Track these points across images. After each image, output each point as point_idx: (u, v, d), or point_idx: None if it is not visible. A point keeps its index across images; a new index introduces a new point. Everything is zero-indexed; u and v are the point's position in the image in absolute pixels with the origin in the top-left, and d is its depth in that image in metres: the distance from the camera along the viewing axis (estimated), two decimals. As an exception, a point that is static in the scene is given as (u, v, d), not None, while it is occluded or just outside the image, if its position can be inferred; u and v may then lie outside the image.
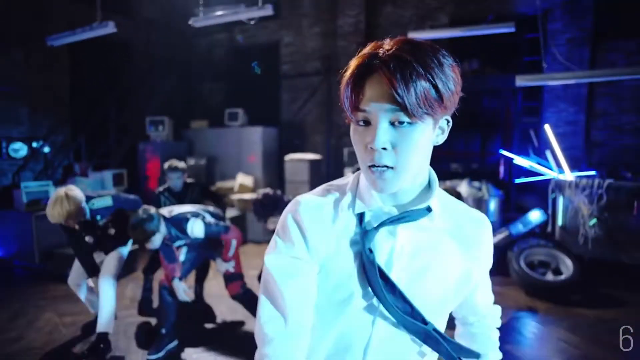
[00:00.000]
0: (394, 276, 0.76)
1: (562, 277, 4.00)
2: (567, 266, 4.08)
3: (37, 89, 6.38)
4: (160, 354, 2.82)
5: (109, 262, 2.96)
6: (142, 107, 6.85)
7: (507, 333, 3.20)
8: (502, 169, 5.81)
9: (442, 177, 5.93)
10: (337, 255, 0.77)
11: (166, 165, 3.67)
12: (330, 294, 0.77)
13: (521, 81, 3.91)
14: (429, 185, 0.81)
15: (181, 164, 3.67)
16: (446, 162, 6.65)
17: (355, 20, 7.18)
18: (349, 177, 0.85)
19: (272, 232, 0.96)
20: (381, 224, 0.75)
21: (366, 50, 0.72)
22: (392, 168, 0.70)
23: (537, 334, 3.23)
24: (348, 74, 0.72)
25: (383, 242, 0.76)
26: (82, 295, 3.10)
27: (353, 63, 0.73)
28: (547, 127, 5.01)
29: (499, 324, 1.03)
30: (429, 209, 0.77)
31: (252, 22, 5.08)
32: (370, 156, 0.70)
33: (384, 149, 0.69)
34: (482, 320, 1.01)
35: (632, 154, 5.75)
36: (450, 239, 0.81)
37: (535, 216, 4.58)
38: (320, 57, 7.72)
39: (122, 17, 6.61)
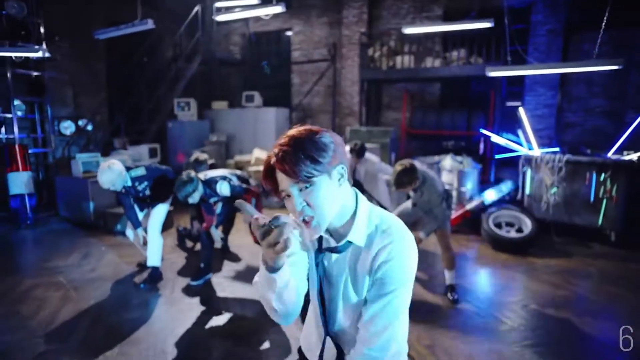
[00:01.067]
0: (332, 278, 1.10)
1: (522, 234, 4.78)
2: (528, 226, 4.85)
3: (80, 74, 7.20)
4: (200, 282, 3.69)
5: (154, 214, 3.68)
6: (170, 89, 7.64)
7: (477, 277, 4.01)
8: (481, 145, 6.52)
9: (432, 153, 6.68)
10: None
11: (192, 158, 4.49)
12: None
13: (490, 72, 4.59)
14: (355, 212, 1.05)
15: (204, 156, 4.49)
16: (438, 140, 7.40)
17: (359, 11, 7.79)
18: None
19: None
20: (323, 250, 1.07)
21: (269, 154, 1.00)
22: (313, 217, 0.97)
23: (498, 276, 4.03)
24: (262, 173, 1.01)
25: (323, 260, 1.09)
26: (132, 238, 3.92)
27: (263, 166, 1.02)
28: (520, 110, 5.69)
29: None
30: (350, 242, 1.03)
31: (267, 17, 5.79)
32: (300, 215, 0.97)
33: (304, 207, 0.96)
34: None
35: (600, 134, 6.41)
36: (364, 253, 1.03)
37: (490, 196, 5.34)
38: (327, 44, 8.37)
39: (149, 8, 7.31)
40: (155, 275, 3.66)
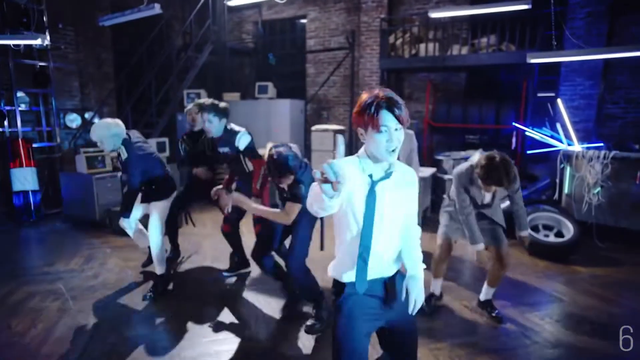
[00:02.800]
0: (383, 204, 1.49)
1: (563, 239, 4.33)
2: (569, 229, 4.39)
3: (87, 64, 6.89)
4: (233, 273, 3.66)
5: (152, 214, 3.27)
6: (179, 80, 7.28)
7: (510, 285, 3.59)
8: (514, 140, 6.03)
9: (457, 148, 6.20)
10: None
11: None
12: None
13: (532, 58, 4.11)
14: None
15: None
16: (462, 134, 6.91)
17: (378, -5, 7.29)
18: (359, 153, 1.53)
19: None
20: (377, 180, 1.46)
21: (369, 95, 1.42)
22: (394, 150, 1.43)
23: (539, 287, 3.60)
24: (369, 110, 1.39)
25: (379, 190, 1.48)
26: (131, 233, 3.43)
27: (367, 103, 1.40)
28: (559, 101, 5.19)
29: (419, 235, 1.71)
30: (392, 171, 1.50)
31: (282, 1, 5.38)
32: (390, 146, 1.41)
33: (397, 142, 1.43)
34: (415, 230, 1.68)
35: (643, 128, 5.86)
36: (402, 183, 1.54)
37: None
38: (344, 32, 7.91)
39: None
40: (161, 285, 3.33)
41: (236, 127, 3.33)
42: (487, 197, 2.81)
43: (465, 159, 5.94)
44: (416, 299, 1.59)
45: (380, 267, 1.53)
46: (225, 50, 8.07)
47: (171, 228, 4.10)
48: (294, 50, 8.76)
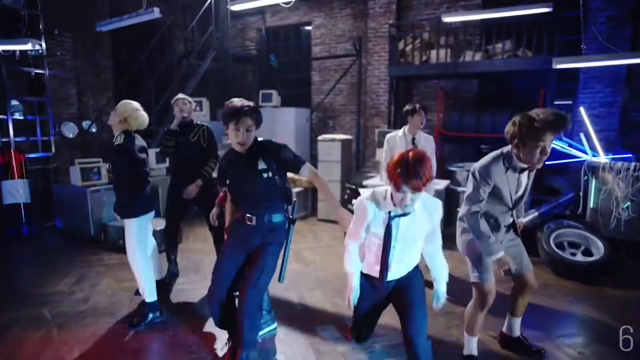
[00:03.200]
0: (399, 236, 2.04)
1: (593, 258, 4.00)
2: (598, 248, 4.07)
3: (85, 72, 6.66)
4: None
5: (126, 234, 2.93)
6: (180, 88, 7.04)
7: (537, 311, 3.26)
8: (533, 150, 5.71)
9: (470, 159, 5.89)
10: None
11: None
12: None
13: (559, 64, 3.82)
14: None
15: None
16: (475, 143, 6.61)
17: (386, 1, 7.06)
18: (381, 188, 2.08)
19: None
20: (395, 216, 1.99)
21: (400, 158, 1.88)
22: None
23: (566, 311, 3.28)
24: (401, 171, 1.84)
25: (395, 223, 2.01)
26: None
27: (399, 167, 1.86)
28: (581, 110, 4.89)
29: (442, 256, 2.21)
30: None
31: (287, 5, 5.14)
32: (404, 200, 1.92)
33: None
34: (435, 245, 2.18)
35: (670, 137, 5.55)
36: (421, 215, 2.03)
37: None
38: (350, 38, 7.67)
39: (159, 0, 6.75)
40: (150, 314, 2.97)
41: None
42: (524, 181, 2.30)
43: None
44: (439, 296, 2.16)
45: (397, 273, 2.15)
46: (228, 57, 7.86)
47: (170, 243, 3.81)
48: (299, 57, 8.52)
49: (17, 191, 5.05)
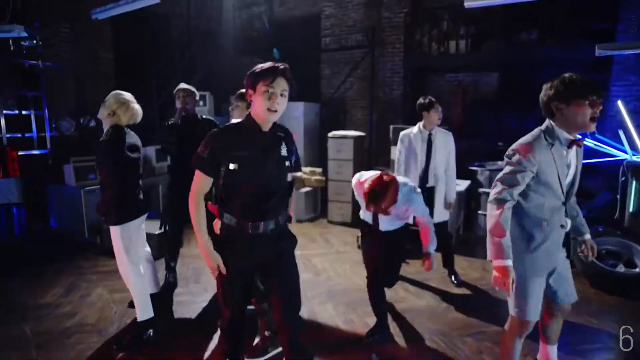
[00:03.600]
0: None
1: (637, 270, 3.59)
2: (642, 257, 3.65)
3: (83, 64, 6.34)
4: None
5: (112, 242, 2.60)
6: (183, 81, 6.70)
7: (575, 330, 2.88)
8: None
9: (491, 158, 5.46)
10: None
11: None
12: None
13: (602, 50, 3.40)
14: None
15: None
16: (493, 141, 6.17)
17: (402, -12, 6.63)
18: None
19: None
20: None
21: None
22: None
23: (609, 331, 2.89)
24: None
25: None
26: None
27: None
28: (619, 104, 4.46)
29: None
30: None
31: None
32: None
33: None
34: None
35: None
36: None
37: None
38: (363, 29, 7.26)
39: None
40: (144, 333, 2.63)
41: None
42: (573, 161, 1.88)
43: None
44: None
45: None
46: (234, 49, 7.49)
47: (170, 249, 3.48)
48: (307, 49, 8.13)
49: (10, 190, 4.76)
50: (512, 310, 1.95)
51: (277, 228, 1.78)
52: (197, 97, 3.43)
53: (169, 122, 3.35)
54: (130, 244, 2.58)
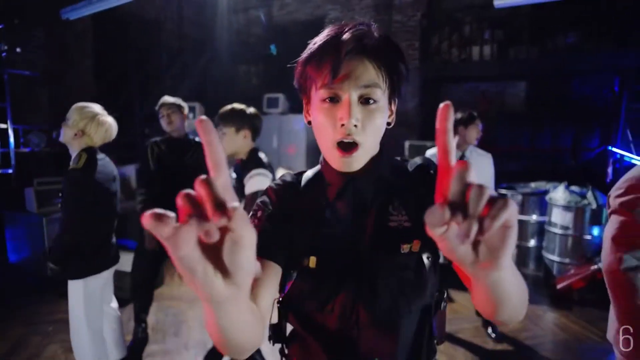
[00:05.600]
0: None
1: None
2: None
3: (59, 72, 5.91)
4: None
5: (69, 296, 2.09)
6: (171, 91, 6.27)
7: None
8: (609, 170, 4.79)
9: (522, 179, 4.97)
10: None
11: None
12: None
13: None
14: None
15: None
16: (528, 160, 5.69)
17: (416, -12, 6.25)
18: None
19: None
20: None
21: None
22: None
23: None
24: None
25: None
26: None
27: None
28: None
29: None
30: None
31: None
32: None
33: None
34: None
35: None
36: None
37: None
38: (372, 33, 6.86)
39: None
40: None
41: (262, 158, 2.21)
42: None
43: (538, 192, 4.75)
44: None
45: None
46: (229, 55, 7.09)
47: (141, 295, 2.95)
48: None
49: (-39, 218, 4.26)
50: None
51: None
52: (186, 112, 2.94)
53: (152, 143, 2.87)
54: (93, 303, 2.06)
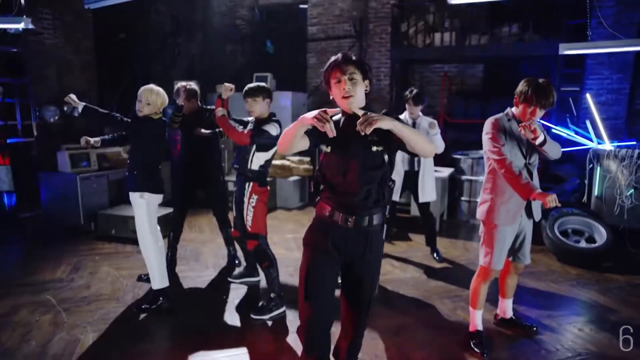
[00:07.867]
0: None
1: (596, 244, 4.41)
2: (601, 234, 4.48)
3: (66, 51, 6.82)
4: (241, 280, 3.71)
5: (135, 213, 3.19)
6: (167, 70, 7.26)
7: (541, 294, 3.65)
8: (539, 138, 6.11)
9: (474, 147, 6.24)
10: None
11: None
12: None
13: (565, 50, 4.18)
14: None
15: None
16: (479, 131, 6.99)
17: (388, -21, 7.35)
18: None
19: None
20: None
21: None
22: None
23: (569, 295, 3.67)
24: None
25: None
26: None
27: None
28: (588, 96, 5.28)
29: None
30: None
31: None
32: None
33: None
34: None
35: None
36: None
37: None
38: (350, 18, 7.95)
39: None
40: (160, 301, 3.23)
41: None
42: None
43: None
44: None
45: None
46: (219, 37, 8.07)
47: (175, 231, 4.10)
48: (294, 39, 8.77)
49: (0, 178, 5.25)
50: (481, 260, 2.69)
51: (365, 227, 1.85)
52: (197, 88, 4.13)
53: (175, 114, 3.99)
54: (152, 216, 3.20)
